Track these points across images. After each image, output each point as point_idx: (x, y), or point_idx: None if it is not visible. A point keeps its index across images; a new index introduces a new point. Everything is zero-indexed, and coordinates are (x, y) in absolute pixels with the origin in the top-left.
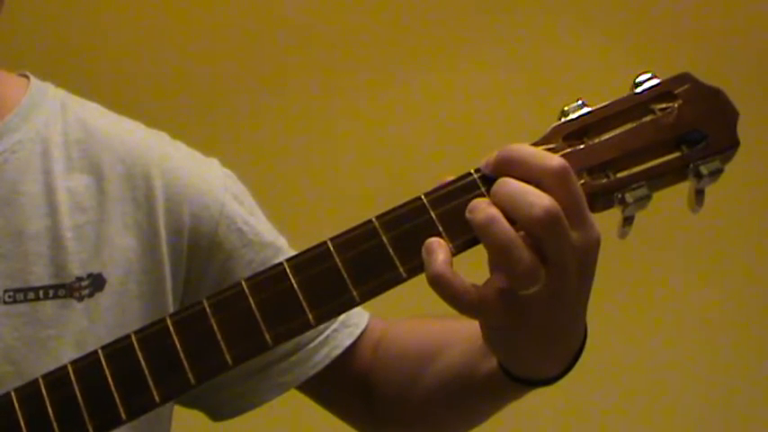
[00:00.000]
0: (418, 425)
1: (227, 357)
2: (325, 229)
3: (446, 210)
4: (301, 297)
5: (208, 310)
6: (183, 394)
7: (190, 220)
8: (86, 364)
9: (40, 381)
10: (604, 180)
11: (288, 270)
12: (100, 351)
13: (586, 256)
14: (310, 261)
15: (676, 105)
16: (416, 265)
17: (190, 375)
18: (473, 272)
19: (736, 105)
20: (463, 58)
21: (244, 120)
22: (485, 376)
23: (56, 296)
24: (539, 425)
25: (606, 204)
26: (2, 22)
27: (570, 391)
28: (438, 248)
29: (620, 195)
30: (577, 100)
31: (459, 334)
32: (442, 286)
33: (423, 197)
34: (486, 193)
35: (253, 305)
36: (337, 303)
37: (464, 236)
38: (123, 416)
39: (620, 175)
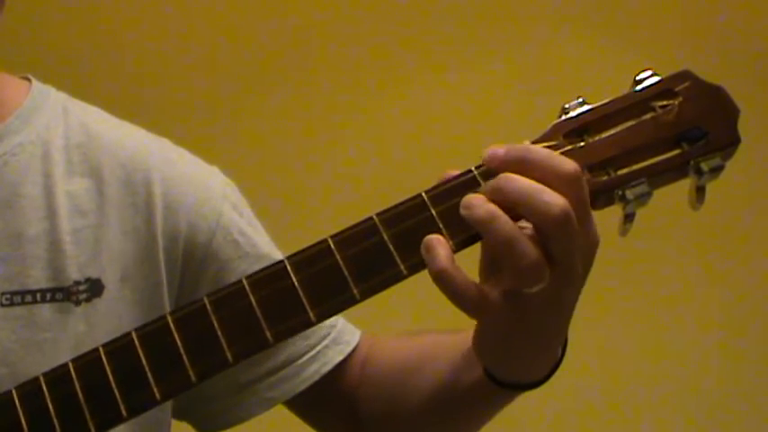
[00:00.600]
0: None
1: (228, 355)
2: (326, 228)
3: (446, 207)
4: (302, 295)
5: (208, 307)
6: (184, 392)
7: (186, 227)
8: (87, 362)
9: (41, 378)
10: (605, 177)
11: (289, 267)
12: (101, 348)
13: (588, 259)
14: (311, 258)
15: (677, 103)
16: (417, 263)
17: (191, 373)
18: (472, 271)
19: (736, 103)
20: (464, 58)
21: (244, 119)
22: (470, 385)
23: (53, 299)
24: (538, 425)
25: (607, 202)
26: (2, 23)
27: (570, 390)
28: (438, 245)
29: (620, 192)
30: (578, 97)
31: (443, 347)
32: (445, 282)
33: (423, 194)
34: None
35: (253, 302)
36: (338, 301)
37: (464, 233)
38: (124, 413)
39: (620, 172)
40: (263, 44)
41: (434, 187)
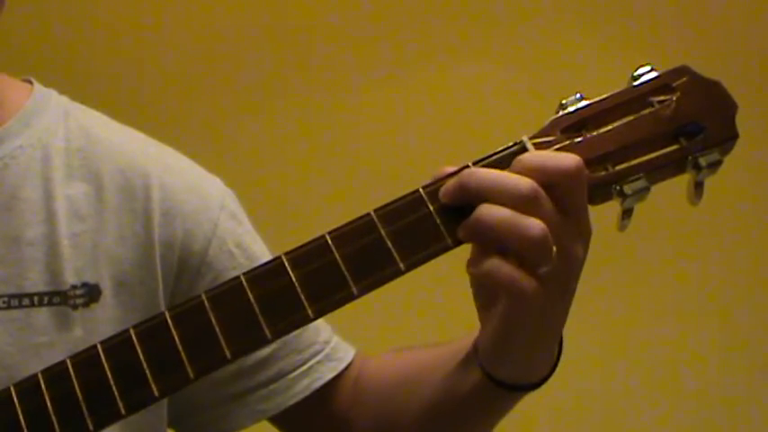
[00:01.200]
0: None
1: (227, 351)
2: (325, 227)
3: (444, 203)
4: (300, 291)
5: (206, 303)
6: (183, 388)
7: (182, 234)
8: (85, 359)
9: (40, 375)
10: (603, 172)
11: (286, 264)
12: (99, 345)
13: (584, 249)
14: (309, 255)
15: (674, 98)
16: (416, 260)
17: (189, 369)
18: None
19: (734, 98)
20: (462, 56)
21: (243, 120)
22: (469, 390)
23: (50, 303)
24: (537, 424)
25: (605, 197)
26: (3, 24)
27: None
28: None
29: (618, 188)
30: (575, 93)
31: (438, 357)
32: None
33: (421, 190)
34: None
35: (251, 299)
36: (336, 298)
37: None
38: (122, 410)
39: (618, 167)
40: (262, 45)
41: (431, 183)
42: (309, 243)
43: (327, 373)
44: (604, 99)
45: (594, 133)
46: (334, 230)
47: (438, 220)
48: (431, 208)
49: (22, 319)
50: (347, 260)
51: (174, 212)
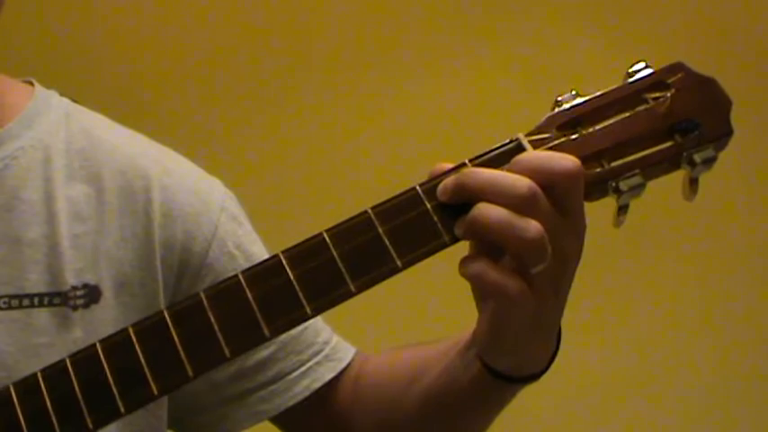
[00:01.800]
0: None
1: (225, 350)
2: (325, 228)
3: (441, 200)
4: (298, 289)
5: (205, 302)
6: (182, 387)
7: (183, 236)
8: (84, 357)
9: (39, 374)
10: (599, 169)
11: (284, 262)
12: (98, 344)
13: (579, 244)
14: (306, 252)
15: (669, 95)
16: (413, 257)
17: (188, 368)
18: None
19: (729, 94)
20: (461, 55)
21: (244, 119)
22: (469, 382)
23: (51, 304)
24: (536, 424)
25: (601, 193)
26: (3, 24)
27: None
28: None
29: (614, 184)
30: (571, 90)
31: (436, 353)
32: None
33: (418, 187)
34: None
35: (250, 297)
36: (334, 295)
37: None
38: (122, 409)
39: (614, 163)
40: (262, 46)
41: (428, 180)
42: (307, 241)
43: (327, 374)
44: (600, 96)
45: (590, 130)
46: (332, 228)
47: (435, 218)
48: (428, 206)
49: (22, 319)
50: (345, 258)
51: (175, 214)
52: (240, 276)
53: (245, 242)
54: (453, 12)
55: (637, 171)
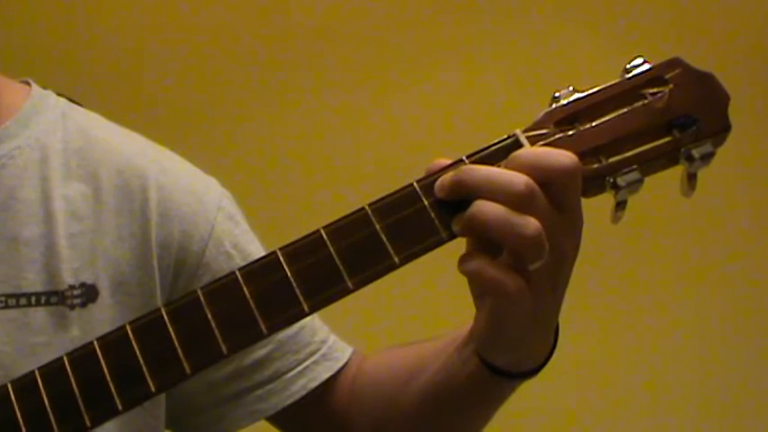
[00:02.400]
0: None
1: (223, 347)
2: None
3: (439, 196)
4: (295, 286)
5: (202, 299)
6: (179, 384)
7: (179, 236)
8: (82, 355)
9: (36, 373)
10: (596, 165)
11: (281, 258)
12: (95, 342)
13: (576, 240)
14: (303, 249)
15: (667, 90)
16: (410, 253)
17: (185, 365)
18: None
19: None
20: (460, 54)
21: (244, 119)
22: (466, 379)
23: (48, 303)
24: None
25: (598, 189)
26: (3, 24)
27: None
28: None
29: (612, 180)
30: (568, 86)
31: (434, 350)
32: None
33: (415, 184)
34: None
35: (247, 294)
36: (332, 292)
37: None
38: (119, 407)
39: (612, 159)
40: (262, 46)
41: (425, 177)
42: (304, 238)
43: (324, 373)
44: (597, 91)
45: (588, 126)
46: (329, 225)
47: (432, 214)
48: (425, 202)
49: (19, 318)
50: (342, 254)
51: (172, 214)
52: (237, 273)
53: (241, 241)
54: (453, 12)
55: (635, 167)
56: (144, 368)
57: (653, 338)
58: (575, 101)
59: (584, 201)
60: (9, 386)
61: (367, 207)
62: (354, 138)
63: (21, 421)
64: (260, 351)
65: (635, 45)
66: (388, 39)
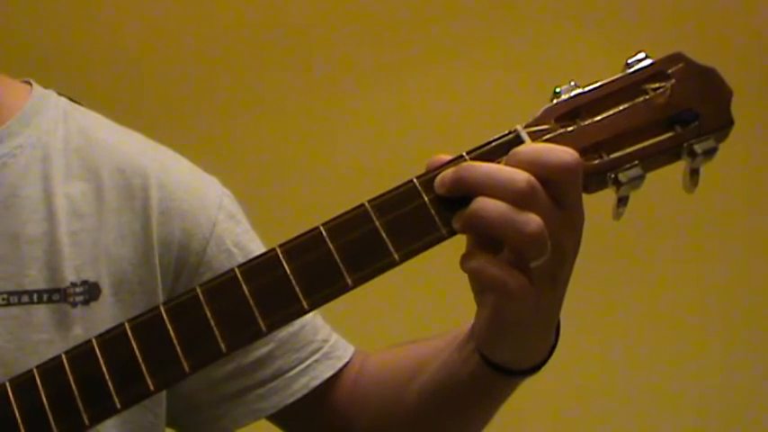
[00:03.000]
0: None
1: (222, 345)
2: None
3: (438, 193)
4: (295, 283)
5: (201, 297)
6: (178, 382)
7: (180, 234)
8: (80, 353)
9: (35, 371)
10: (597, 161)
11: (281, 256)
12: (94, 340)
13: (577, 236)
14: (303, 246)
15: (669, 85)
16: (410, 250)
17: (184, 363)
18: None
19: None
20: (461, 57)
21: (244, 119)
22: (468, 375)
23: (50, 301)
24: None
25: (600, 185)
26: (2, 24)
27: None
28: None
29: (613, 175)
30: (570, 81)
31: (435, 348)
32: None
33: (415, 180)
34: None
35: (246, 292)
36: (331, 289)
37: None
38: (118, 405)
39: (613, 155)
40: (262, 46)
41: (425, 173)
42: (303, 235)
43: (325, 372)
44: (599, 87)
45: (589, 121)
46: (329, 222)
47: (433, 211)
48: (425, 198)
49: (21, 316)
50: (341, 251)
51: (173, 212)
52: (236, 271)
53: (242, 240)
54: (453, 13)
55: (636, 162)
56: (143, 366)
57: (653, 336)
58: (576, 96)
59: (584, 197)
60: (7, 384)
61: (367, 203)
62: (354, 137)
63: (19, 420)
64: (261, 349)
65: (635, 44)
66: (388, 39)
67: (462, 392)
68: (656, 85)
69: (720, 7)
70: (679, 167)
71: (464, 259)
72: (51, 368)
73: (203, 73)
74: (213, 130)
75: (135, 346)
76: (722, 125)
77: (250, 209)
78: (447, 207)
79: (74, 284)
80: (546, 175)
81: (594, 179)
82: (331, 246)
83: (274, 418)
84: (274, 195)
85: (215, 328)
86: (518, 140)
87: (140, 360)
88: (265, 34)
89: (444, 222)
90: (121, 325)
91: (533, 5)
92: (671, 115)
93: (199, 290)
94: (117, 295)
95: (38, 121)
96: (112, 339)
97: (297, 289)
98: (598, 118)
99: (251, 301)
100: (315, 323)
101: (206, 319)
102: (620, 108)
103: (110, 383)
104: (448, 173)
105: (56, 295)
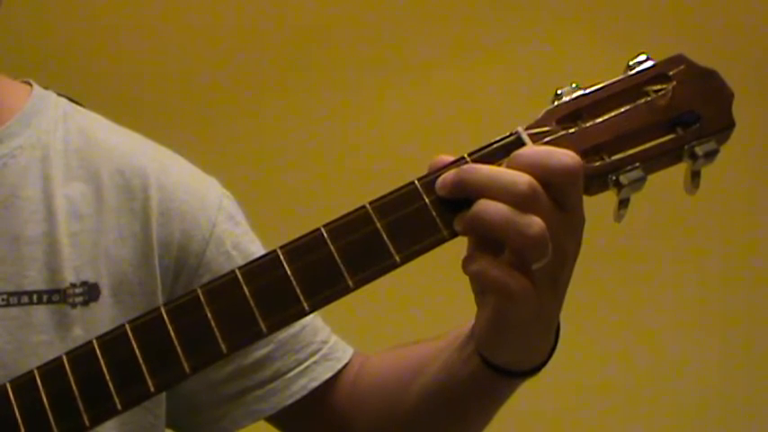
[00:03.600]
0: None
1: (222, 346)
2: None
3: (440, 195)
4: (295, 285)
5: (201, 298)
6: (179, 383)
7: (180, 235)
8: (81, 354)
9: (35, 372)
10: (598, 162)
11: (282, 257)
12: (94, 341)
13: (578, 238)
14: (304, 248)
15: (671, 87)
16: (411, 252)
17: (185, 364)
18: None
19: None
20: (461, 57)
21: (244, 119)
22: (468, 376)
23: (50, 301)
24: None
25: (601, 187)
26: (2, 24)
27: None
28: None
29: (614, 178)
30: (571, 83)
31: (433, 351)
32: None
33: (416, 182)
34: None
35: (247, 293)
36: (332, 291)
37: None
38: (118, 406)
39: (614, 157)
40: (263, 45)
41: (427, 174)
42: (304, 236)
43: (324, 373)
44: (600, 88)
45: (590, 123)
46: (330, 223)
47: (434, 213)
48: (426, 200)
49: (20, 317)
50: (342, 253)
51: (173, 213)
52: (237, 272)
53: (242, 241)
54: (454, 14)
55: (637, 164)
56: (143, 367)
57: (652, 336)
58: (577, 98)
59: (584, 199)
60: (8, 385)
61: (368, 205)
62: (354, 137)
63: (20, 421)
64: (261, 350)
65: (635, 45)
66: (387, 39)
67: (462, 394)
68: (658, 86)
69: (721, 9)
70: (679, 169)
71: (466, 262)
72: (52, 369)
73: (203, 73)
74: (213, 130)
75: (135, 347)
76: (723, 127)
77: (250, 209)
78: (448, 209)
79: (73, 285)
80: (547, 177)
81: (596, 181)
82: (332, 247)
83: (273, 419)
84: (275, 196)
85: (216, 329)
86: (519, 142)
87: (141, 361)
88: (266, 34)
89: (446, 224)
90: (122, 326)
91: (535, 8)
92: (672, 117)
93: (199, 291)
94: (116, 296)
95: (38, 121)
96: (113, 340)
97: (298, 290)
98: (599, 120)
99: (252, 303)
100: (314, 324)
101: (207, 320)
102: (622, 110)
103: (110, 384)
104: (449, 175)
105: (55, 296)
